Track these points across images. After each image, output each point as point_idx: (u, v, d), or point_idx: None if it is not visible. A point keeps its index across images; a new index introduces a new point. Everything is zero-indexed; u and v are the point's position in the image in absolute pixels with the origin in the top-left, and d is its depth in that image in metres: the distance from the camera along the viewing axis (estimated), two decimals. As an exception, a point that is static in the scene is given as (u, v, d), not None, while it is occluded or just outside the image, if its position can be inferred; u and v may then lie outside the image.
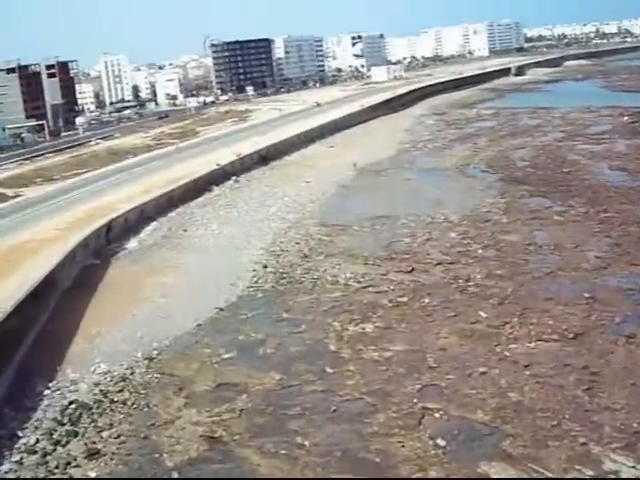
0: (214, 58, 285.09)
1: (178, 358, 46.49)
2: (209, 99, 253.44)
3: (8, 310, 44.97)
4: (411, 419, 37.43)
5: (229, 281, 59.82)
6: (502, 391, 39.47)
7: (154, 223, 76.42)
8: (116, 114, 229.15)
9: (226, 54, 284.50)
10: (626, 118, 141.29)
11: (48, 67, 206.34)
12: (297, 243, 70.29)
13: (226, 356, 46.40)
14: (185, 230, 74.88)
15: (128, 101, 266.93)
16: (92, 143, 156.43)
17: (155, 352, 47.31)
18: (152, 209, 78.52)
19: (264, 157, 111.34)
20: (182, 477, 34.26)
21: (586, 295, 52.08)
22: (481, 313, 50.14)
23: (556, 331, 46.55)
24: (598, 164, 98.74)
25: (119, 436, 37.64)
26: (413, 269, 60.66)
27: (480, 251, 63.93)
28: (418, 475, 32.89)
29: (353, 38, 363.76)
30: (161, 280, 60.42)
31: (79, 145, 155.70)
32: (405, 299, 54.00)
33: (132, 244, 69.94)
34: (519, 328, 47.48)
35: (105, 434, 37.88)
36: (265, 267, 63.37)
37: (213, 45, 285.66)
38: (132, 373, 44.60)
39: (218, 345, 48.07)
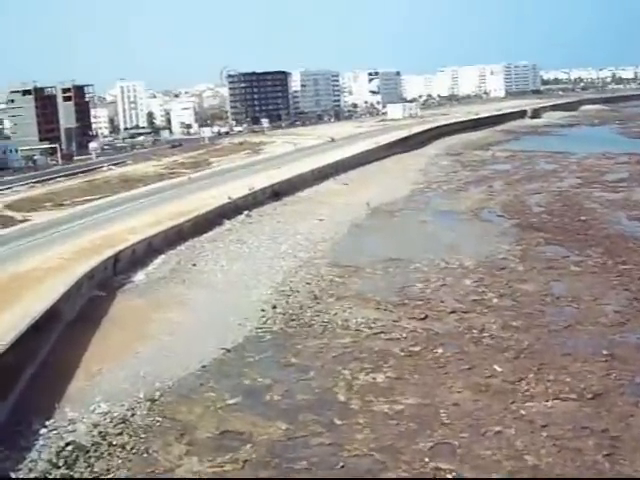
0: (230, 89, 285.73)
1: (181, 401, 44.86)
2: (223, 129, 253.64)
3: (7, 344, 43.36)
4: (422, 480, 35.67)
5: (237, 321, 58.29)
6: (518, 453, 37.71)
7: (162, 256, 75.04)
8: (129, 140, 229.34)
9: (242, 85, 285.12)
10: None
11: (64, 90, 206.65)
12: (308, 283, 68.70)
13: (231, 401, 44.74)
14: (194, 265, 73.42)
15: (142, 127, 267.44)
16: (104, 169, 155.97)
17: (158, 393, 45.68)
18: (161, 242, 77.19)
19: (277, 192, 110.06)
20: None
21: (605, 352, 50.25)
22: (496, 367, 48.36)
23: (574, 390, 44.77)
24: (616, 213, 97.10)
25: (116, 484, 35.96)
26: (426, 316, 58.99)
27: (495, 300, 62.22)
28: None
29: (370, 74, 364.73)
30: (167, 316, 58.93)
31: (91, 170, 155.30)
32: (418, 348, 52.30)
33: (139, 277, 68.52)
34: (535, 385, 45.70)
35: (101, 481, 36.19)
36: (274, 307, 61.79)
37: (230, 76, 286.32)
38: (133, 415, 42.96)
39: (223, 389, 46.43)
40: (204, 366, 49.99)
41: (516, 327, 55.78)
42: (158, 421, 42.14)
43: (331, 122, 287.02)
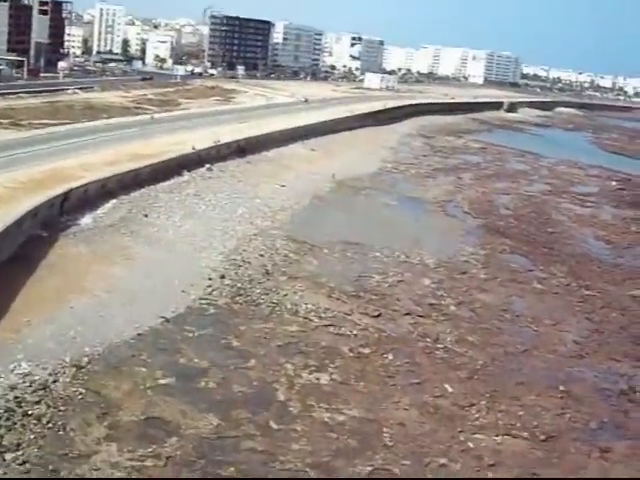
0: (211, 29, 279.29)
1: (109, 373, 41.41)
2: (197, 69, 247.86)
3: None
4: (356, 513, 32.72)
5: (181, 287, 54.91)
6: (462, 496, 34.92)
7: (114, 201, 71.00)
8: (100, 65, 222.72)
9: (224, 28, 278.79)
10: (614, 183, 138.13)
11: (41, 3, 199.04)
12: (261, 255, 65.38)
13: (162, 382, 41.44)
14: (146, 215, 69.52)
15: (116, 54, 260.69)
16: (70, 92, 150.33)
17: (85, 359, 42.18)
18: (115, 184, 73.12)
19: (242, 148, 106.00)
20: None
21: (561, 388, 47.88)
22: (447, 386, 45.71)
23: (526, 427, 42.29)
24: (583, 230, 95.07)
25: (24, 463, 32.51)
26: (380, 314, 56.08)
27: (453, 308, 59.58)
28: None
29: (353, 39, 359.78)
30: (109, 270, 55.30)
31: (56, 91, 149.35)
32: (367, 351, 49.40)
33: (86, 221, 64.56)
34: (486, 414, 43.15)
35: (9, 457, 32.71)
36: (222, 277, 58.42)
37: (213, 16, 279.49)
38: (55, 381, 39.40)
39: (156, 365, 43.08)
40: (139, 334, 46.58)
41: (472, 343, 53.17)
42: (81, 393, 38.67)
43: (307, 80, 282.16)
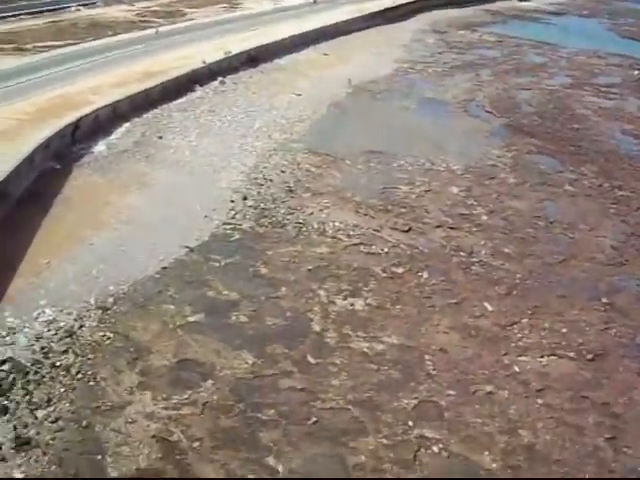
0: None
1: (136, 313, 39.90)
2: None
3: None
4: (405, 451, 31.49)
5: (203, 212, 53.02)
6: (512, 426, 33.66)
7: (127, 124, 68.52)
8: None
9: None
10: (636, 72, 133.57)
11: None
12: (282, 172, 63.14)
13: (192, 319, 39.90)
14: (160, 137, 67.10)
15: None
16: (72, 9, 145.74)
17: (110, 300, 40.68)
18: (127, 107, 70.48)
19: (254, 58, 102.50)
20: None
21: (604, 300, 46.12)
22: (486, 304, 44.04)
23: (571, 345, 40.74)
24: (609, 124, 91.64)
25: (56, 420, 31.29)
26: (410, 228, 54.11)
27: (485, 217, 57.44)
28: None
29: None
30: (127, 201, 53.36)
31: (58, 9, 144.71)
32: (400, 270, 47.60)
33: (100, 148, 62.33)
34: (529, 333, 41.59)
35: (40, 415, 31.44)
36: (245, 199, 56.40)
37: None
38: (81, 326, 37.96)
39: (184, 301, 41.51)
40: (164, 268, 44.95)
41: (507, 255, 51.27)
42: (109, 338, 37.22)
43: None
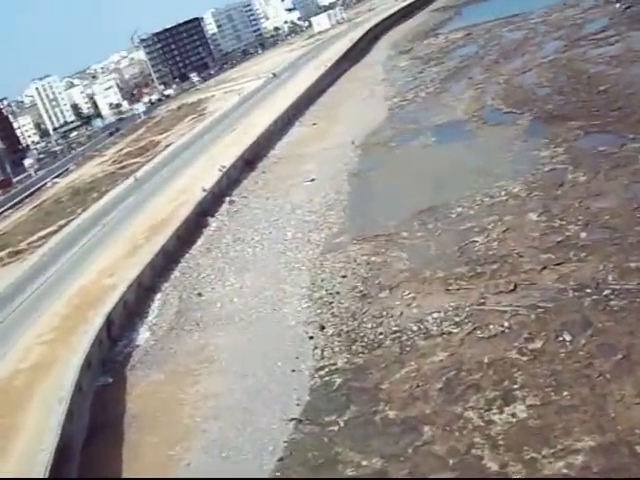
0: (147, 53, 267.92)
1: None
2: (154, 97, 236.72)
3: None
4: None
5: (288, 366, 45.31)
6: None
7: (159, 295, 61.29)
8: (63, 141, 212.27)
9: (158, 46, 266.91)
10: (617, 5, 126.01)
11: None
12: (343, 277, 55.53)
13: None
14: (200, 294, 59.73)
15: (72, 122, 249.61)
16: (49, 184, 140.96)
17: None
18: (150, 276, 63.40)
19: (249, 161, 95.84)
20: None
21: None
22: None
23: None
24: (630, 70, 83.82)
25: None
26: (516, 285, 45.93)
27: (584, 235, 49.52)
28: None
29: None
30: (200, 390, 45.60)
31: (36, 191, 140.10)
32: (539, 344, 39.51)
33: (143, 335, 55.00)
34: None
35: None
36: (323, 329, 48.64)
37: (143, 40, 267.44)
38: None
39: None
40: (281, 459, 37.47)
41: (637, 270, 42.78)
42: None
43: (259, 54, 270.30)
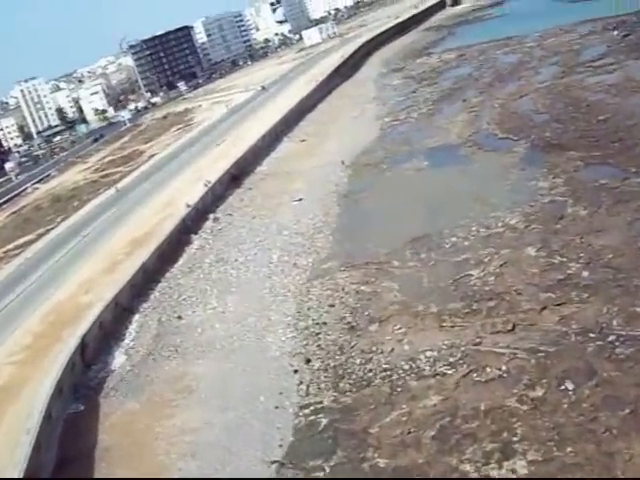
0: (136, 60, 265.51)
1: None
2: (140, 104, 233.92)
3: None
4: None
5: (270, 402, 42.76)
6: None
7: (137, 317, 58.55)
8: (46, 145, 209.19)
9: (147, 53, 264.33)
10: (615, 33, 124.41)
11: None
12: (331, 306, 53.05)
13: None
14: (179, 317, 57.08)
15: (56, 126, 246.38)
16: (29, 190, 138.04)
17: None
18: (128, 295, 60.64)
19: (235, 176, 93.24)
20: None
21: None
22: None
23: None
24: (630, 100, 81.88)
25: None
26: (514, 325, 43.59)
27: (586, 273, 47.19)
28: None
29: (272, 4, 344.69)
30: (178, 423, 42.95)
31: (15, 196, 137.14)
32: (539, 392, 37.15)
33: (118, 359, 52.26)
34: None
35: None
36: (309, 362, 46.10)
37: (131, 46, 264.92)
38: None
39: None
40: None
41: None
42: None
43: (248, 65, 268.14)
